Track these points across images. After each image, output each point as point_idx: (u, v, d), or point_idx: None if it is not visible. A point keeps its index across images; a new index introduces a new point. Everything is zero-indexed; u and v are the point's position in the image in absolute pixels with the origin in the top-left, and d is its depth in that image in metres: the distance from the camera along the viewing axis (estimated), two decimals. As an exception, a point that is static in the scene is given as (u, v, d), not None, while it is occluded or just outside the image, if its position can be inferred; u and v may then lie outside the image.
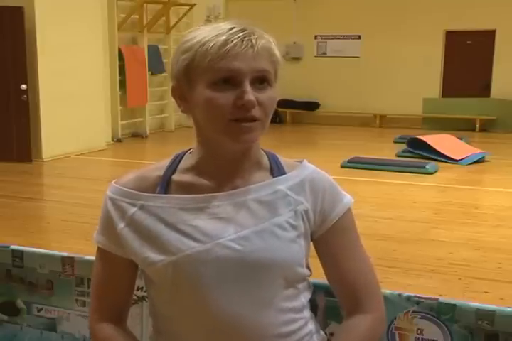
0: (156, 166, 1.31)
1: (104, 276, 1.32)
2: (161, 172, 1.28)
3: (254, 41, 1.16)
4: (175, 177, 1.27)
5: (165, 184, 1.26)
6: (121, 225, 1.26)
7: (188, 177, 1.27)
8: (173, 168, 1.28)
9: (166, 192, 1.25)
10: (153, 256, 1.21)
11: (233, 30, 1.17)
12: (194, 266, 1.19)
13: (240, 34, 1.16)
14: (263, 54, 1.18)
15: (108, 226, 1.28)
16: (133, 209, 1.25)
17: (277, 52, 1.23)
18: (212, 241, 1.20)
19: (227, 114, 1.16)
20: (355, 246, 1.33)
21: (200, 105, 1.19)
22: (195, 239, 1.20)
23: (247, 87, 1.16)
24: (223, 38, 1.15)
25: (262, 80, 1.19)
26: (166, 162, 1.31)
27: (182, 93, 1.23)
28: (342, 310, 1.36)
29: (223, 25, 1.19)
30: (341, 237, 1.30)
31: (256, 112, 1.17)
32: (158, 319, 1.31)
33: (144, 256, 1.23)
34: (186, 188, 1.25)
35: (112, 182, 1.31)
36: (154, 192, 1.25)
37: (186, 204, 1.23)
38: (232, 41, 1.15)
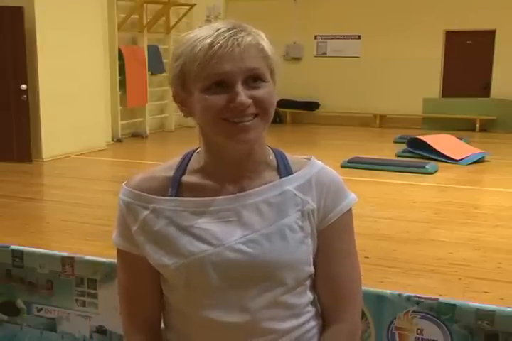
0: (165, 166, 1.31)
1: (130, 279, 1.32)
2: (170, 173, 1.28)
3: (240, 40, 1.15)
4: (185, 178, 1.27)
5: (176, 186, 1.26)
6: (134, 228, 1.27)
7: (196, 179, 1.27)
8: (182, 168, 1.28)
9: (177, 194, 1.26)
10: (166, 258, 1.23)
11: (219, 31, 1.16)
12: (206, 269, 1.21)
13: (226, 34, 1.15)
14: (251, 51, 1.16)
15: (125, 228, 1.29)
16: (145, 213, 1.26)
17: (267, 47, 1.20)
18: (223, 244, 1.21)
19: (218, 114, 1.16)
20: (349, 249, 1.31)
21: (196, 109, 1.20)
22: (206, 242, 1.21)
23: (239, 89, 1.15)
24: (209, 40, 1.15)
25: (254, 78, 1.17)
26: (175, 162, 1.31)
27: (181, 99, 1.24)
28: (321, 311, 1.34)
29: (211, 27, 1.18)
30: (338, 238, 1.30)
31: (251, 109, 1.17)
32: (169, 314, 1.33)
33: (157, 258, 1.24)
34: (196, 190, 1.26)
35: (123, 184, 1.31)
36: (165, 194, 1.26)
37: (197, 207, 1.24)
38: (218, 42, 1.14)
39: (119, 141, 10.57)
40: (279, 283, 1.23)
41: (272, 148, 1.32)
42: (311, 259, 1.27)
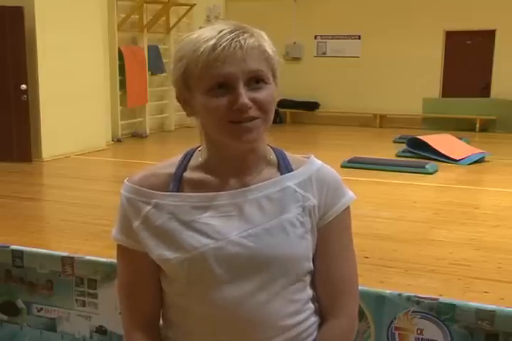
0: (166, 164, 1.33)
1: (130, 275, 1.33)
2: (172, 170, 1.30)
3: (242, 42, 1.17)
4: (186, 174, 1.30)
5: (177, 181, 1.29)
6: (136, 223, 1.29)
7: (198, 175, 1.29)
8: (184, 165, 1.31)
9: (178, 190, 1.28)
10: (168, 253, 1.25)
11: (222, 33, 1.18)
12: (208, 263, 1.22)
13: (229, 36, 1.17)
14: (253, 53, 1.18)
15: (127, 224, 1.31)
16: (147, 208, 1.28)
17: (269, 49, 1.22)
18: (225, 238, 1.23)
19: (224, 117, 1.19)
20: (347, 246, 1.35)
21: (200, 111, 1.23)
22: (208, 237, 1.23)
23: (241, 90, 1.17)
24: (212, 42, 1.17)
25: (257, 80, 1.20)
26: (176, 159, 1.33)
27: (185, 98, 1.26)
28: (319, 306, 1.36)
29: (214, 29, 1.20)
30: (337, 235, 1.32)
31: (253, 112, 1.19)
32: (169, 309, 1.34)
33: (159, 253, 1.26)
34: (198, 186, 1.28)
35: (125, 180, 1.33)
36: (166, 190, 1.28)
37: (199, 202, 1.26)
38: (221, 45, 1.16)
39: (119, 141, 10.56)
40: (279, 278, 1.25)
41: (272, 148, 1.35)
42: (311, 255, 1.30)
